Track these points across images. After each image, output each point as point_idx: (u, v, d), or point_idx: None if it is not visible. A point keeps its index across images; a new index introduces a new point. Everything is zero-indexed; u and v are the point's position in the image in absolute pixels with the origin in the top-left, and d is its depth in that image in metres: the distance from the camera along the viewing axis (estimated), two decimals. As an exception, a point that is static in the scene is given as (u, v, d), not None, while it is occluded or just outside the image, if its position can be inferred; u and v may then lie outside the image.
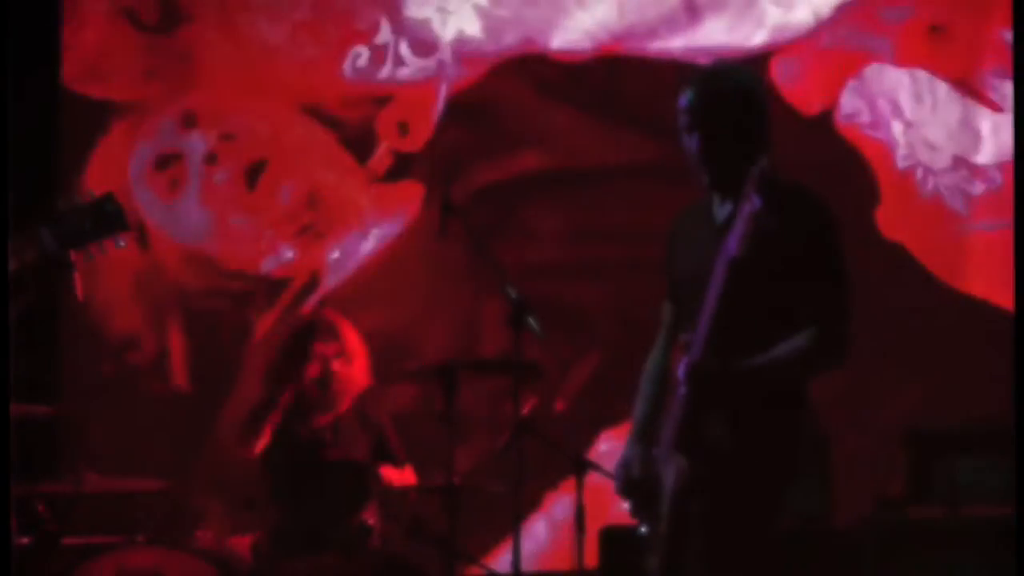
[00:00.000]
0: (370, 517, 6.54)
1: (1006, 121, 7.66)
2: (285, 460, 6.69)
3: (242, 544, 6.53)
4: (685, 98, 4.82)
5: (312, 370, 6.68)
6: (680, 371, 4.63)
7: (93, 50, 8.40)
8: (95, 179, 8.18)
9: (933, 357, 7.92)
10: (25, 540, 6.36)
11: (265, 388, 6.84)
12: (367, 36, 8.25)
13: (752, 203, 4.47)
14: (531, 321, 6.29)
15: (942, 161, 8.01)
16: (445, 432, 6.28)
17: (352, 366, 6.73)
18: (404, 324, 8.04)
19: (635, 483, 4.85)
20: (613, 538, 6.29)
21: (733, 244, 4.51)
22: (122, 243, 5.13)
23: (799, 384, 4.77)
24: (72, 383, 8.08)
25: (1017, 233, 4.20)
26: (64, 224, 5.08)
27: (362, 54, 8.22)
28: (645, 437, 4.86)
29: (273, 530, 6.55)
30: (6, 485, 4.01)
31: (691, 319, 4.70)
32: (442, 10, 8.18)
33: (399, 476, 6.67)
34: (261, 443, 6.67)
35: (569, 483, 6.56)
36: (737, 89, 4.84)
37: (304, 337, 6.80)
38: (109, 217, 5.11)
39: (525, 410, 6.42)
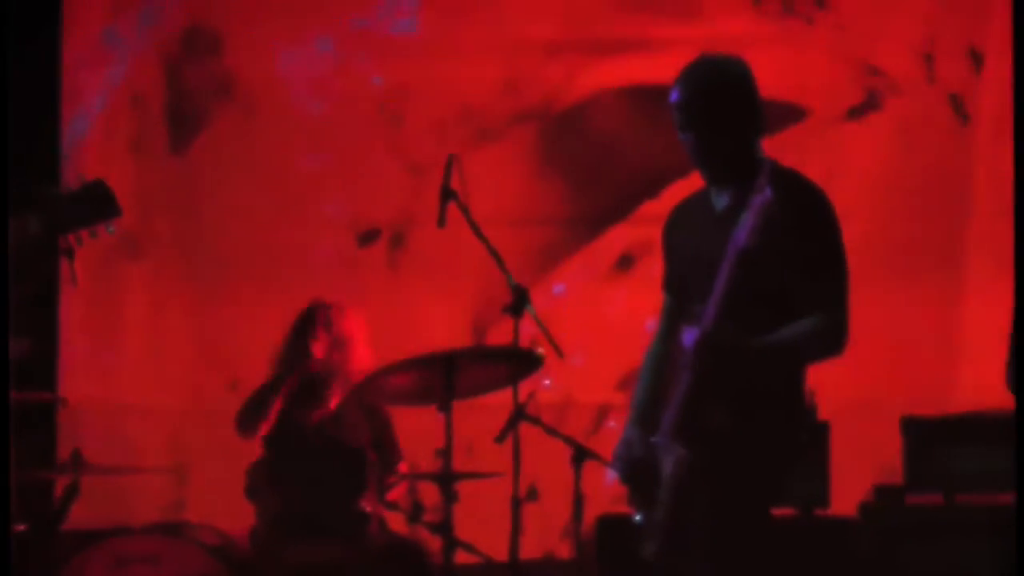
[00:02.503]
0: (368, 504, 6.52)
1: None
2: (285, 446, 6.69)
3: (240, 532, 6.54)
4: (675, 95, 4.85)
5: (314, 358, 6.69)
6: (687, 339, 4.64)
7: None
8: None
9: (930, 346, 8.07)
10: (21, 527, 6.32)
11: (270, 374, 6.81)
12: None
13: (764, 195, 4.51)
14: (530, 308, 6.31)
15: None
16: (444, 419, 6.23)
17: (353, 355, 6.74)
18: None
19: (634, 468, 4.85)
20: (610, 525, 6.33)
21: (743, 235, 4.54)
22: (112, 229, 5.06)
23: (799, 369, 4.79)
24: (71, 370, 8.10)
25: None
26: (51, 209, 5.00)
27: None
28: (644, 422, 4.86)
29: (272, 517, 6.55)
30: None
31: (692, 305, 4.72)
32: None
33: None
34: (265, 427, 6.66)
35: (568, 470, 6.53)
36: (724, 81, 4.85)
37: (307, 326, 6.78)
38: (99, 202, 5.03)
39: (523, 397, 6.42)
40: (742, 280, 4.61)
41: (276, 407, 6.66)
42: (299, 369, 6.70)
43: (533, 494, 6.76)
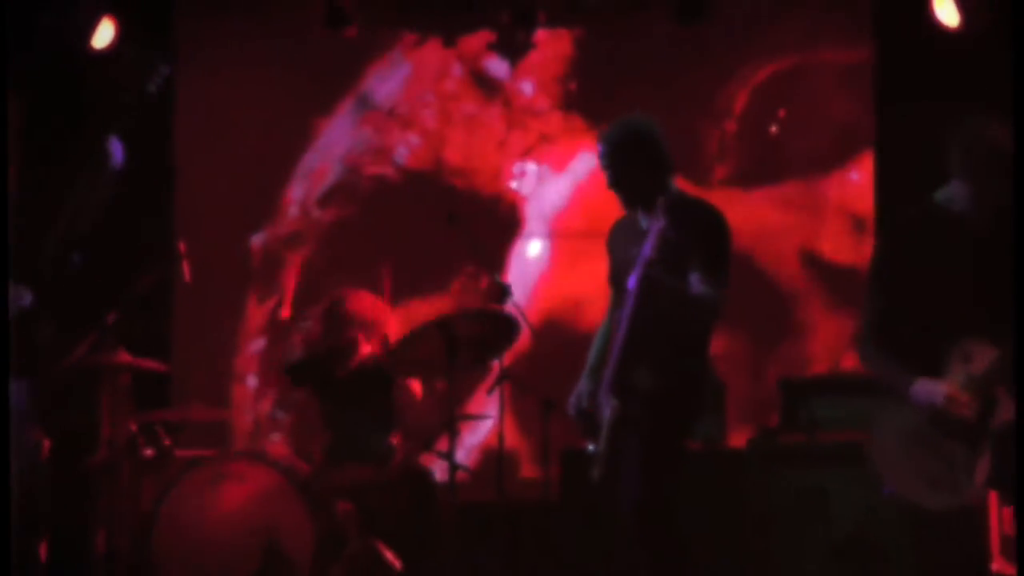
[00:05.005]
0: (395, 439, 6.54)
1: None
2: (333, 397, 6.60)
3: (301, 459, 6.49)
4: (598, 147, 4.88)
5: (342, 339, 6.57)
6: (631, 282, 4.64)
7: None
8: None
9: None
10: (149, 452, 6.34)
11: (306, 348, 6.73)
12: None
13: (660, 222, 4.55)
14: (511, 298, 6.37)
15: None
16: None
17: (372, 334, 6.60)
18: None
19: (584, 412, 4.89)
20: (570, 456, 6.23)
21: (648, 248, 4.58)
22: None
23: (704, 342, 4.82)
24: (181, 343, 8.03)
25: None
26: None
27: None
28: (594, 377, 4.90)
29: (325, 447, 6.52)
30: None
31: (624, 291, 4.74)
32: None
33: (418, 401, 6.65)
34: (307, 384, 6.67)
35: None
36: (631, 137, 4.84)
37: (331, 314, 6.65)
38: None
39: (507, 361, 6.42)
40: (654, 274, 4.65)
41: (316, 372, 6.60)
42: (330, 346, 6.58)
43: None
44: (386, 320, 6.71)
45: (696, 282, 4.65)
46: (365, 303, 6.70)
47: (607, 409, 4.76)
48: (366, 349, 6.59)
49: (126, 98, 4.44)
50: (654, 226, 4.63)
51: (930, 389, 4.18)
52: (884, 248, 4.44)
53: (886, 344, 4.30)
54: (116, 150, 4.67)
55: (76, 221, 4.47)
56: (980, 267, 4.19)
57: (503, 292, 6.38)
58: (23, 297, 4.30)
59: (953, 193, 4.28)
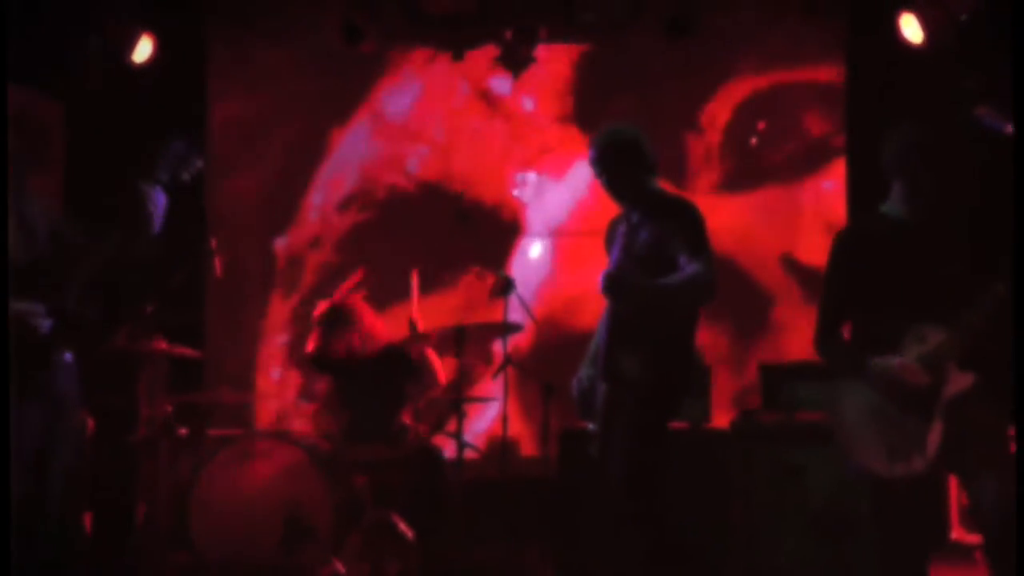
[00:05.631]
0: (407, 419, 6.58)
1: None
2: (350, 383, 6.65)
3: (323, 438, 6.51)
4: (589, 152, 4.94)
5: (350, 338, 6.65)
6: (600, 280, 4.68)
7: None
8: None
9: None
10: (184, 430, 6.38)
11: (324, 341, 6.71)
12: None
13: (635, 218, 4.76)
14: (516, 293, 6.42)
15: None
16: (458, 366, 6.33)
17: (375, 333, 6.69)
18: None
19: (584, 394, 4.94)
20: (569, 435, 6.19)
21: (616, 249, 4.77)
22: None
23: (691, 330, 4.77)
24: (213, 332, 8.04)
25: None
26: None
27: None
28: (593, 363, 4.94)
29: (344, 428, 6.56)
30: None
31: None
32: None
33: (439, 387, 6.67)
34: (325, 373, 6.71)
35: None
36: (616, 143, 4.89)
37: (335, 316, 6.69)
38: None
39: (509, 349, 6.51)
40: (631, 262, 4.75)
41: (335, 362, 6.65)
42: (343, 341, 6.62)
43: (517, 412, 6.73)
44: (373, 320, 6.76)
45: (684, 262, 4.67)
46: (358, 304, 6.73)
47: (600, 392, 4.81)
48: (384, 338, 6.63)
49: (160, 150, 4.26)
50: (628, 226, 4.74)
51: (885, 364, 4.19)
52: (833, 255, 4.42)
53: (840, 336, 4.31)
54: (156, 197, 4.35)
55: (105, 272, 4.41)
56: (921, 259, 4.21)
57: (507, 286, 6.39)
58: (43, 324, 4.17)
59: (892, 196, 4.32)
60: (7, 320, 3.82)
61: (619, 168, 4.88)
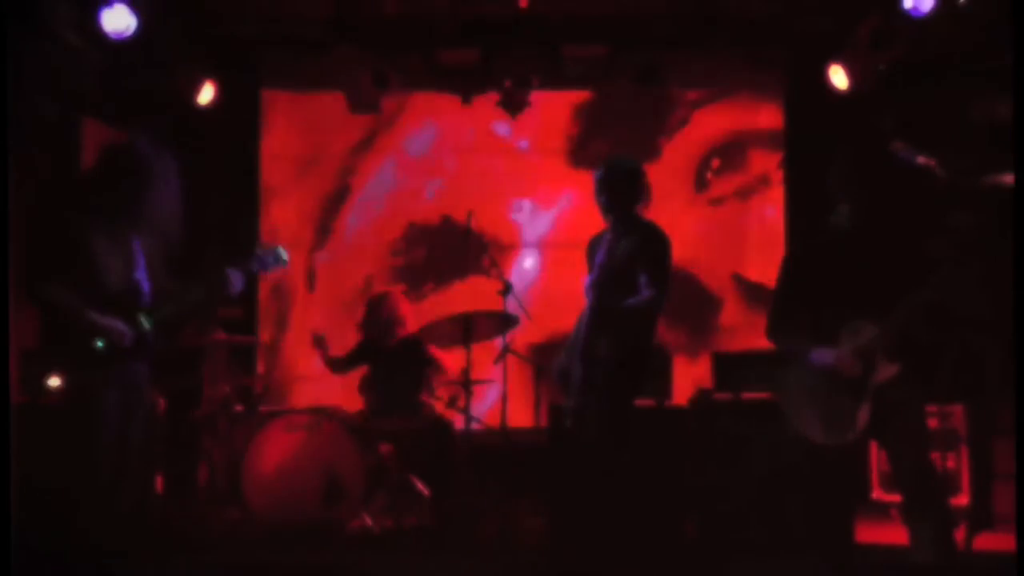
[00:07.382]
0: (425, 397, 6.54)
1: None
2: (377, 366, 6.62)
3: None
4: (597, 172, 4.91)
5: (384, 326, 6.59)
6: (587, 282, 4.71)
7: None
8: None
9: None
10: (240, 407, 6.33)
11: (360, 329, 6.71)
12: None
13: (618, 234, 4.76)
14: (513, 294, 6.34)
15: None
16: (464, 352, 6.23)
17: (405, 323, 6.63)
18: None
19: (562, 375, 4.90)
20: (555, 410, 6.04)
21: (600, 256, 4.74)
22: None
23: (651, 325, 4.81)
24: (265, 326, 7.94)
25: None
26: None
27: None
28: (571, 350, 4.90)
29: (371, 403, 6.54)
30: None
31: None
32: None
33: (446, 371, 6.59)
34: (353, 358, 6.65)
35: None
36: (618, 172, 4.88)
37: (375, 308, 6.66)
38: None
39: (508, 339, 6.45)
40: (610, 278, 4.74)
41: (366, 348, 6.59)
42: (378, 331, 6.56)
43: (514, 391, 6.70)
44: (407, 314, 6.70)
45: (644, 282, 4.67)
46: (396, 301, 6.68)
47: (577, 373, 4.78)
48: (401, 333, 6.59)
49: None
50: (609, 242, 4.75)
51: (825, 354, 4.17)
52: (786, 260, 4.41)
53: (789, 328, 4.28)
54: (236, 280, 4.42)
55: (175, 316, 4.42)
56: (858, 264, 4.17)
57: (506, 289, 6.33)
58: (127, 338, 4.18)
59: (838, 211, 4.27)
60: (7, 321, 3.77)
61: (617, 190, 4.83)
